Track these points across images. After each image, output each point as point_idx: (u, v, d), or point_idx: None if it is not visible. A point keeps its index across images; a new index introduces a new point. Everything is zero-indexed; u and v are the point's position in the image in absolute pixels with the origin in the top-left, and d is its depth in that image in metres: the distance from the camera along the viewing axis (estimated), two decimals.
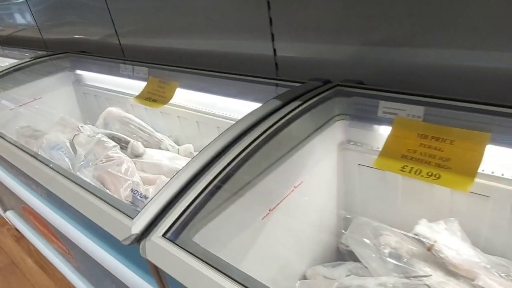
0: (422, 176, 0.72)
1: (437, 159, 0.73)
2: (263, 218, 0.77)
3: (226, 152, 0.74)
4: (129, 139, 1.32)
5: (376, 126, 0.86)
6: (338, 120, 0.90)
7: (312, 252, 0.97)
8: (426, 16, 0.82)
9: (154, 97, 1.27)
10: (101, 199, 0.72)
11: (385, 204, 0.94)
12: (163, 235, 0.60)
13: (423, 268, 0.78)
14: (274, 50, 1.09)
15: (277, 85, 1.03)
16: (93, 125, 1.64)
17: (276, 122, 0.80)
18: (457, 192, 0.81)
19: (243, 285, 0.51)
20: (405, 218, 0.91)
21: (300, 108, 0.84)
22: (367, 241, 0.91)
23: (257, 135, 0.77)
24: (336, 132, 0.91)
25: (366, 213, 0.99)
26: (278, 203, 0.80)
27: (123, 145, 1.32)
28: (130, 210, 0.68)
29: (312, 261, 0.97)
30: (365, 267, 0.87)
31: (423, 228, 0.80)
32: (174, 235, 0.61)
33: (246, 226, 0.73)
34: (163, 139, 1.37)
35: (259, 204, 0.76)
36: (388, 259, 0.85)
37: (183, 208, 0.63)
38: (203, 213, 0.65)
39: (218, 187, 0.69)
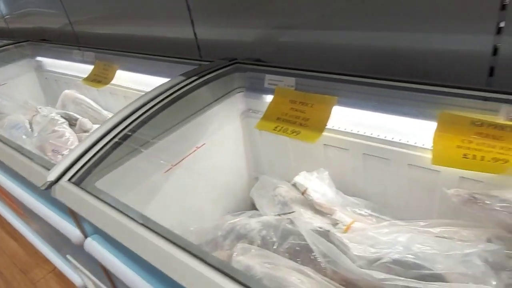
0: (287, 133, 0.90)
1: (300, 119, 0.91)
2: (165, 172, 0.94)
3: (132, 115, 0.91)
4: (78, 116, 1.48)
5: (265, 96, 1.03)
6: (238, 92, 1.07)
7: (226, 205, 1.15)
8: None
9: (99, 78, 1.43)
10: (29, 157, 0.89)
11: (283, 163, 1.12)
12: (69, 180, 0.78)
13: (298, 209, 0.97)
14: (195, 34, 1.25)
15: (195, 64, 1.19)
16: (54, 107, 1.80)
17: (178, 90, 0.97)
18: (329, 148, 0.99)
19: (121, 211, 0.69)
20: (296, 172, 1.09)
21: (200, 80, 1.01)
22: (265, 193, 1.10)
23: (160, 101, 0.94)
24: (237, 102, 1.08)
25: (271, 172, 1.18)
26: (181, 160, 0.97)
27: (73, 122, 1.49)
28: (51, 164, 0.85)
29: (226, 212, 1.15)
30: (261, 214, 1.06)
31: (300, 178, 0.98)
32: (78, 180, 0.79)
33: (147, 177, 0.90)
34: (108, 116, 1.54)
35: (161, 159, 0.93)
36: (277, 205, 1.04)
37: (87, 158, 0.81)
38: (106, 163, 0.83)
39: (121, 143, 0.86)
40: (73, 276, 1.34)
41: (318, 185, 0.96)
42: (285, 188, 1.06)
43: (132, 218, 0.68)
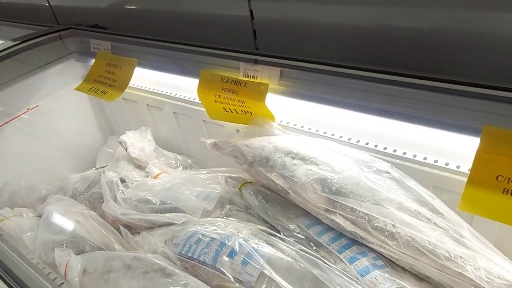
0: (97, 93, 0.97)
1: (110, 80, 0.98)
2: None
3: None
4: None
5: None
6: (73, 57, 1.12)
7: (74, 165, 1.22)
8: None
9: None
10: None
11: (126, 123, 1.19)
12: None
13: (122, 164, 1.06)
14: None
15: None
16: None
17: (5, 50, 1.02)
18: (151, 108, 1.07)
19: None
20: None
21: (29, 43, 1.06)
22: (107, 152, 1.18)
23: None
24: (75, 66, 1.14)
25: (121, 132, 1.25)
26: (10, 120, 1.03)
27: None
28: None
29: (76, 172, 1.22)
30: None
31: (124, 136, 1.06)
32: None
33: None
34: None
35: None
36: (113, 162, 1.12)
37: None
38: None
39: None
40: None
41: (138, 142, 1.05)
42: (122, 147, 1.14)
43: None
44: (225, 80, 0.79)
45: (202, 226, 0.63)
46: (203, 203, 0.70)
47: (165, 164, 1.02)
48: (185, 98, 0.97)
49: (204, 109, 0.88)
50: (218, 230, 0.61)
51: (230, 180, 0.77)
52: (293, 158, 0.67)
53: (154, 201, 0.72)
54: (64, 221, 0.81)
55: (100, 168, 1.02)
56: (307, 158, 0.66)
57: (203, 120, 0.95)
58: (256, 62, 0.80)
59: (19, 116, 1.05)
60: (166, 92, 1.01)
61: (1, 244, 0.62)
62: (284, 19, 0.80)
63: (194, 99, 0.95)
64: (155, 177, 0.97)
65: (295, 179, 0.64)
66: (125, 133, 1.08)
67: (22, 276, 0.57)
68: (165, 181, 0.82)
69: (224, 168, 0.87)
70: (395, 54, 0.72)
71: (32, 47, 1.08)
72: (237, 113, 0.81)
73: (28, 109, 1.07)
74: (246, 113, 0.79)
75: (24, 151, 1.08)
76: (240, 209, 0.72)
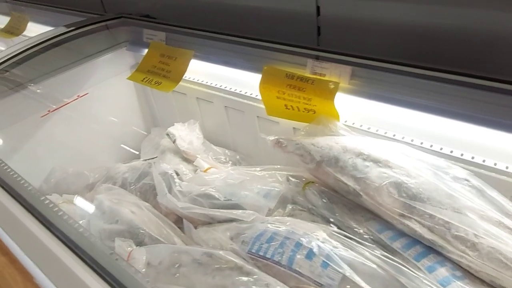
0: (151, 84, 0.97)
1: (164, 71, 0.97)
2: (42, 117, 1.01)
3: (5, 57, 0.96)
4: None
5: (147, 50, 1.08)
6: (124, 46, 1.12)
7: (120, 155, 1.22)
8: None
9: (12, 30, 1.46)
10: None
11: (171, 115, 1.19)
12: None
13: (170, 156, 1.05)
14: None
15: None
16: None
17: (57, 37, 1.02)
18: (200, 101, 1.06)
19: None
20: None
21: (81, 31, 1.06)
22: (153, 143, 1.18)
23: (38, 44, 0.99)
24: (125, 55, 1.14)
25: (164, 124, 1.25)
26: (61, 107, 1.04)
27: None
28: None
29: (120, 161, 1.22)
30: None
31: (172, 128, 1.06)
32: None
33: (19, 120, 0.96)
34: None
35: (38, 103, 0.99)
36: (156, 153, 1.11)
37: None
38: None
39: None
40: None
41: (187, 135, 1.04)
42: (166, 138, 1.13)
43: None
44: (290, 76, 0.77)
45: (273, 224, 0.62)
46: (265, 201, 0.69)
47: (214, 158, 1.01)
48: (238, 92, 0.95)
49: (262, 105, 0.87)
50: (290, 230, 0.59)
51: (291, 178, 0.75)
52: (364, 159, 0.65)
53: (217, 196, 0.70)
54: (118, 211, 0.80)
55: (149, 159, 1.02)
56: (380, 161, 0.64)
57: (257, 116, 0.93)
58: (318, 58, 0.79)
59: (69, 103, 1.05)
60: (218, 85, 0.99)
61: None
62: (352, 17, 0.78)
63: (251, 94, 0.94)
64: (204, 172, 0.96)
65: (368, 182, 0.62)
66: (173, 125, 1.07)
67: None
68: (221, 176, 0.81)
69: (278, 166, 0.85)
70: (473, 55, 0.70)
71: (84, 34, 1.08)
72: (299, 110, 0.79)
73: (78, 96, 1.07)
74: (309, 111, 0.77)
75: (70, 138, 1.09)
76: (303, 209, 0.70)
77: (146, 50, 1.09)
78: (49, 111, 1.01)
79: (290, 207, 0.71)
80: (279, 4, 0.86)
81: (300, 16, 0.84)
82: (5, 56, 0.96)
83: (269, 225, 0.62)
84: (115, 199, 0.87)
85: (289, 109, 0.80)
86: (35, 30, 1.45)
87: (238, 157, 1.03)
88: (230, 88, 0.97)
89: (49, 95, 1.01)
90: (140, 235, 0.73)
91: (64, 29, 1.06)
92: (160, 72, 0.97)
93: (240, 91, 0.96)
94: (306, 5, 0.81)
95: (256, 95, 0.92)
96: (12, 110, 0.94)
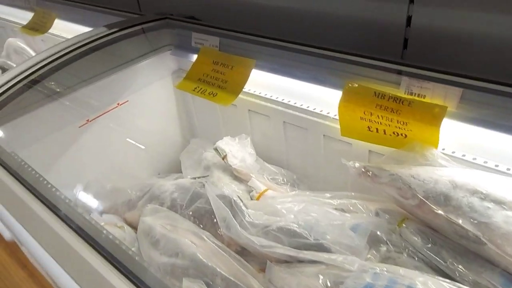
0: (204, 94, 0.87)
1: (219, 81, 0.87)
2: (80, 127, 0.91)
3: (44, 61, 0.86)
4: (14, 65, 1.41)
5: (195, 55, 0.99)
6: (168, 50, 1.02)
7: (156, 166, 1.13)
8: None
9: (37, 27, 1.36)
10: None
11: (214, 126, 1.09)
12: None
13: (218, 174, 0.95)
14: None
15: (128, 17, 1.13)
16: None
17: (98, 40, 0.92)
18: (253, 114, 0.96)
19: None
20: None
21: (124, 33, 0.96)
22: (193, 156, 1.08)
23: (78, 47, 0.89)
24: (167, 60, 1.04)
25: (204, 135, 1.15)
26: (99, 116, 0.94)
27: None
28: None
29: (156, 174, 1.13)
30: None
31: (221, 143, 0.96)
32: None
33: (57, 130, 0.86)
34: None
35: (77, 112, 0.89)
36: (200, 169, 1.02)
37: None
38: (8, 110, 0.78)
39: (28, 90, 0.81)
40: (2, 228, 1.31)
41: (238, 151, 0.94)
42: (212, 153, 1.04)
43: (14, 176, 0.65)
44: (380, 96, 0.68)
45: (379, 273, 0.52)
46: (360, 240, 0.59)
47: (270, 179, 0.91)
48: (300, 106, 0.86)
49: (329, 122, 0.78)
50: (405, 282, 0.50)
51: (381, 212, 0.66)
52: (483, 199, 0.56)
53: (305, 235, 0.61)
54: (177, 242, 0.71)
55: (199, 178, 0.92)
56: (503, 202, 0.55)
57: (323, 135, 0.84)
58: (402, 74, 0.69)
59: (108, 111, 0.96)
60: (277, 98, 0.90)
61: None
62: (451, 29, 0.69)
63: (315, 109, 0.84)
64: (260, 194, 0.87)
65: (493, 227, 0.53)
66: (221, 139, 0.97)
67: None
68: (294, 205, 0.71)
69: (353, 194, 0.76)
70: None
71: (126, 37, 0.98)
72: (385, 133, 0.70)
73: (118, 104, 0.97)
74: (398, 135, 0.68)
75: (107, 149, 0.99)
76: (400, 251, 0.61)
77: (193, 56, 1.00)
78: (87, 120, 0.91)
79: (385, 248, 0.62)
80: (360, 12, 0.77)
81: (384, 25, 0.75)
82: (43, 60, 0.86)
83: (374, 273, 0.53)
84: (168, 225, 0.78)
85: (372, 131, 0.71)
86: (61, 27, 1.36)
87: (295, 177, 0.94)
88: (290, 102, 0.88)
89: (89, 103, 0.91)
90: (209, 275, 0.63)
91: (104, 31, 0.96)
92: (214, 82, 0.87)
93: (301, 105, 0.87)
94: (394, 14, 0.72)
95: (321, 111, 0.83)
96: (50, 119, 0.85)
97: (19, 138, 0.80)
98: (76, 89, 0.88)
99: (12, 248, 1.42)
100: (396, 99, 0.66)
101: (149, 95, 1.03)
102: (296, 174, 0.95)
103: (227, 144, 0.96)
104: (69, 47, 0.90)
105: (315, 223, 0.63)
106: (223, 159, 0.95)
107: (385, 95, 0.67)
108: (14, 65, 1.46)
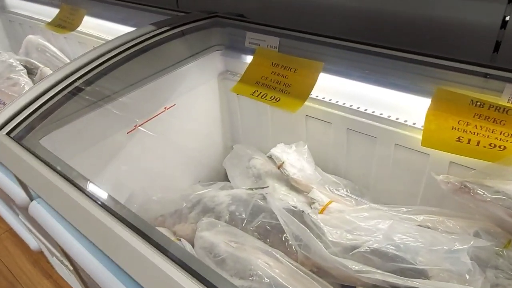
0: (266, 99, 0.80)
1: (281, 85, 0.81)
2: (128, 133, 0.84)
3: (90, 64, 0.79)
4: (40, 65, 1.34)
5: (246, 56, 0.92)
6: (216, 50, 0.96)
7: (196, 174, 1.07)
8: None
9: (64, 24, 1.29)
10: None
11: (260, 132, 1.03)
12: (8, 134, 0.67)
13: (272, 184, 0.89)
14: None
15: (170, 15, 1.07)
16: (17, 53, 1.63)
17: (145, 41, 0.85)
18: (311, 119, 0.90)
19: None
20: (273, 144, 1.00)
21: (172, 32, 0.89)
22: (239, 164, 1.01)
23: (124, 50, 0.82)
24: (215, 61, 0.97)
25: (248, 140, 1.09)
26: (147, 121, 0.87)
27: (34, 71, 1.35)
28: None
29: (196, 181, 1.06)
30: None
31: (276, 150, 0.90)
32: (20, 135, 0.68)
33: (105, 137, 0.80)
34: None
35: (124, 118, 0.83)
36: (250, 178, 0.96)
37: (33, 109, 0.69)
38: (56, 117, 0.72)
39: (75, 95, 0.75)
40: (28, 237, 1.25)
41: (296, 159, 0.88)
42: (260, 160, 0.97)
43: (73, 184, 0.58)
44: (478, 104, 0.62)
45: None
46: (469, 265, 0.53)
47: (331, 190, 0.85)
48: (365, 111, 0.80)
49: (401, 130, 0.73)
50: None
51: (482, 232, 0.60)
52: None
53: (408, 259, 0.55)
54: (249, 263, 0.65)
55: (256, 189, 0.85)
56: None
57: (395, 144, 0.78)
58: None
59: (156, 116, 0.89)
60: (342, 103, 0.84)
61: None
62: None
63: (381, 114, 0.78)
64: (323, 209, 0.80)
65: None
66: (276, 146, 0.91)
67: None
68: (378, 223, 0.65)
69: (433, 209, 0.70)
70: None
71: (174, 37, 0.91)
72: (478, 145, 0.63)
73: (165, 108, 0.90)
74: (493, 147, 0.62)
75: (153, 155, 0.92)
76: (509, 277, 0.55)
77: (243, 57, 0.94)
78: (135, 126, 0.85)
79: (492, 274, 0.56)
80: (450, 12, 0.71)
81: (473, 26, 0.69)
82: (89, 63, 0.79)
83: None
84: (232, 242, 0.71)
85: (462, 142, 0.65)
86: (89, 25, 1.29)
87: (357, 187, 0.88)
88: (353, 106, 0.82)
89: (136, 107, 0.84)
90: None
91: (151, 30, 0.89)
92: (276, 86, 0.81)
93: (365, 110, 0.80)
94: (489, 14, 0.66)
95: (397, 118, 0.77)
96: (99, 126, 0.78)
97: (65, 149, 0.73)
98: (124, 94, 0.82)
99: (36, 257, 1.35)
100: (499, 108, 0.60)
101: (195, 98, 0.97)
102: (356, 185, 0.89)
103: (283, 152, 0.89)
104: (115, 48, 0.83)
105: (413, 246, 0.57)
106: (278, 168, 0.89)
107: (484, 104, 0.61)
108: (37, 63, 1.39)
